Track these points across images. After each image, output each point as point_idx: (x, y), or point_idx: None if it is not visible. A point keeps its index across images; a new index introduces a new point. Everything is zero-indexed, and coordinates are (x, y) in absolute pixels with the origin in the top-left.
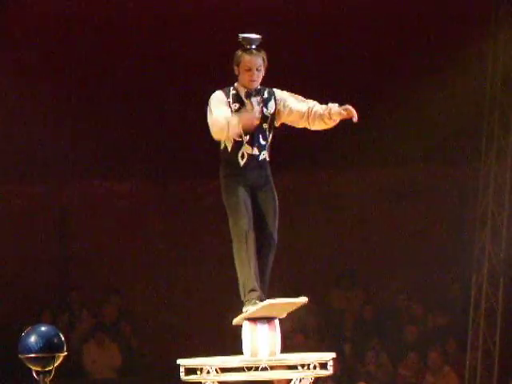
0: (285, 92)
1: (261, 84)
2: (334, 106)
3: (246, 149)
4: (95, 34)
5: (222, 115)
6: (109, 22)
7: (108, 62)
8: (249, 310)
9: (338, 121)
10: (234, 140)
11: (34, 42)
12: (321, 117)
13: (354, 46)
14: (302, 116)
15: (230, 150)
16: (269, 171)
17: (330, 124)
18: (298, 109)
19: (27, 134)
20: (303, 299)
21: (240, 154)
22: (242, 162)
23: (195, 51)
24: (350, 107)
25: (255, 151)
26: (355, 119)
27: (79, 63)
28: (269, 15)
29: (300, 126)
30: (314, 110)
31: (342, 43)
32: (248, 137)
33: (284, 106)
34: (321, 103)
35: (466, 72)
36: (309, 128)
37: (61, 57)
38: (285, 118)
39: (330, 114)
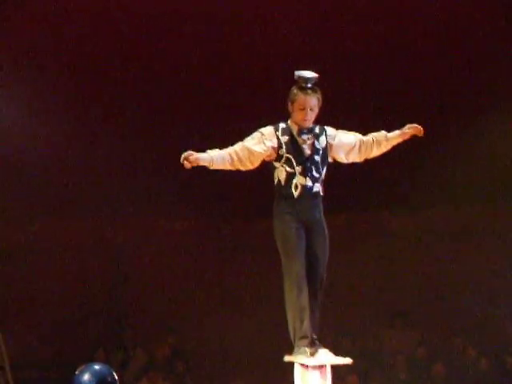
0: (335, 130)
1: (314, 122)
2: (389, 133)
3: (299, 180)
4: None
5: (233, 148)
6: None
7: (173, 97)
8: (298, 358)
9: (393, 145)
10: (287, 172)
11: (85, 68)
12: (377, 142)
13: (403, 82)
14: (353, 146)
15: (283, 182)
16: (321, 209)
17: (385, 150)
18: (349, 140)
19: (84, 168)
20: (348, 360)
21: (293, 186)
22: (295, 194)
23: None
24: (413, 125)
25: (308, 182)
26: (421, 133)
27: (140, 97)
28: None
29: (350, 160)
30: (366, 138)
31: (390, 76)
32: (300, 167)
33: (334, 139)
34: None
35: None
36: (358, 160)
37: (117, 87)
38: (336, 152)
39: (387, 137)
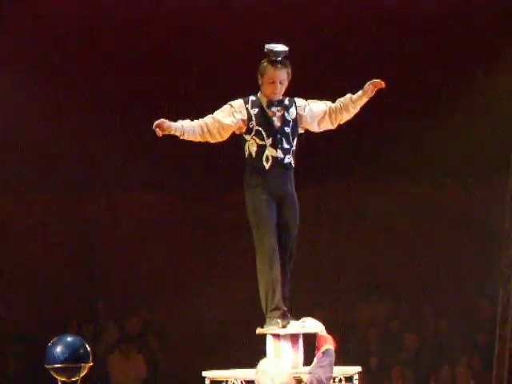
0: (305, 100)
1: (283, 95)
2: (354, 95)
3: (270, 151)
4: (117, 38)
5: (203, 120)
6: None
7: (139, 73)
8: (270, 329)
9: (361, 105)
10: (257, 144)
11: (56, 47)
12: (345, 107)
13: (385, 61)
14: (324, 114)
15: (254, 155)
16: (293, 181)
17: (354, 112)
18: (319, 109)
19: (52, 143)
20: (318, 329)
21: (264, 158)
22: (267, 166)
23: (225, 62)
24: (372, 81)
25: (279, 154)
26: (383, 85)
27: (106, 82)
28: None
29: (322, 129)
30: (334, 105)
31: (375, 57)
32: (271, 140)
33: (304, 110)
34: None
35: (494, 84)
36: (331, 127)
37: (85, 66)
38: (307, 122)
39: (352, 100)
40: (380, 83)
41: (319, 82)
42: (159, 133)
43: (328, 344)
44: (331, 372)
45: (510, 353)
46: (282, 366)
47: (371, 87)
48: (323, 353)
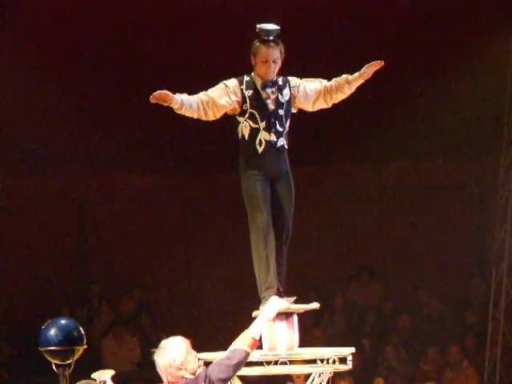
0: (299, 79)
1: (277, 74)
2: (350, 75)
3: (264, 135)
4: (100, 27)
5: (199, 96)
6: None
7: (126, 57)
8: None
9: (357, 86)
10: (251, 127)
11: (41, 37)
12: (340, 87)
13: (377, 39)
14: (319, 94)
15: (247, 137)
16: (287, 161)
17: (349, 92)
18: (313, 88)
19: (47, 126)
20: (315, 305)
21: (258, 141)
22: (260, 149)
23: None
24: (371, 63)
25: (273, 137)
26: (382, 65)
27: (92, 60)
28: None
29: (316, 109)
30: (329, 84)
31: (365, 35)
32: (264, 123)
33: (299, 90)
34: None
35: (488, 67)
36: (326, 106)
37: (77, 52)
38: (301, 102)
39: (348, 81)
40: (379, 63)
41: (314, 60)
42: (152, 100)
43: (243, 344)
44: (228, 374)
45: (503, 332)
46: (170, 350)
47: (369, 71)
48: (231, 351)
